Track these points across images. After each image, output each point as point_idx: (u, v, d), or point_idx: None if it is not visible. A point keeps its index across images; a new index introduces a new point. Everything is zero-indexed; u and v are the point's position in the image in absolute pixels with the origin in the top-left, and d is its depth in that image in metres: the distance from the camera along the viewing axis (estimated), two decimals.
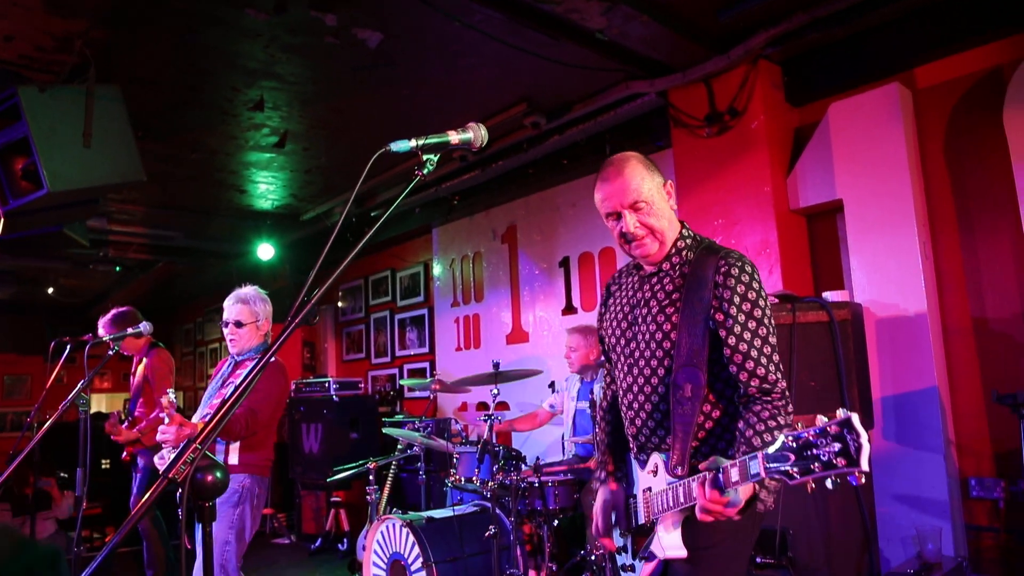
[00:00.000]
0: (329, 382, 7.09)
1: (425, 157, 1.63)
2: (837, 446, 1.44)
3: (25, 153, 3.90)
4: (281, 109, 4.95)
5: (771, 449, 1.58)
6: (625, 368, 2.14)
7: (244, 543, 3.31)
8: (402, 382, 6.81)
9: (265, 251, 7.79)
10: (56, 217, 4.45)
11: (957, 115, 3.80)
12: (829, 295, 3.57)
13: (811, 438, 1.49)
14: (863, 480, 1.42)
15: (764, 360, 1.92)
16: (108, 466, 7.97)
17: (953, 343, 3.75)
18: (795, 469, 1.52)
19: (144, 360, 5.09)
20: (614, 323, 2.21)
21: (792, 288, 3.98)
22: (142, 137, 4.24)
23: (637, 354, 2.10)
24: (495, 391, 4.31)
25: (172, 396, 2.97)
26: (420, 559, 3.93)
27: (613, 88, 4.69)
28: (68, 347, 3.87)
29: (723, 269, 1.97)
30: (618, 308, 2.22)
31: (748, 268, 1.98)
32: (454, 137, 1.68)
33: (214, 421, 1.33)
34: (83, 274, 9.57)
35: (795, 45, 4.09)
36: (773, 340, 1.96)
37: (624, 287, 2.25)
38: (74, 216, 4.64)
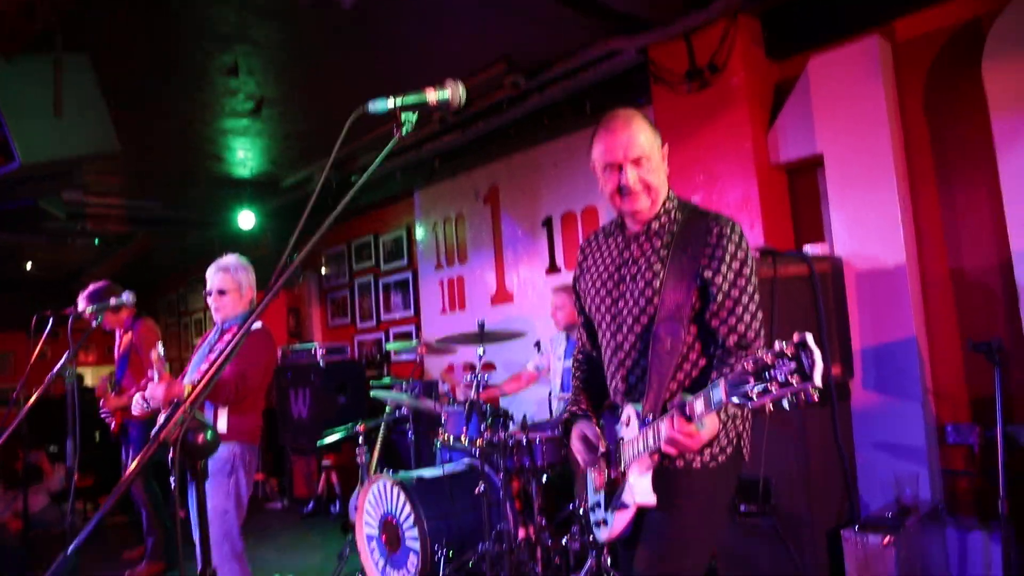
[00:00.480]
0: (315, 348, 7.10)
1: (403, 116, 1.62)
2: (793, 365, 1.50)
3: None
4: (256, 74, 4.86)
5: (732, 374, 1.65)
6: (613, 327, 2.17)
7: (243, 510, 3.35)
8: (388, 346, 6.83)
9: (246, 219, 7.73)
10: (30, 190, 4.40)
11: (936, 68, 3.80)
12: (809, 249, 3.61)
13: (768, 360, 1.55)
14: (816, 397, 1.50)
15: (748, 318, 1.99)
16: (98, 439, 7.98)
17: (931, 294, 3.81)
18: (754, 390, 1.57)
19: (129, 332, 5.08)
20: (597, 283, 2.23)
21: (773, 243, 4.01)
22: (114, 105, 4.16)
23: (625, 312, 2.12)
24: (481, 351, 4.34)
25: (162, 351, 2.98)
26: (411, 517, 4.00)
27: (592, 45, 4.65)
28: (50, 321, 3.85)
29: (715, 230, 2.02)
30: (601, 268, 2.24)
31: (738, 230, 2.05)
32: (432, 96, 1.67)
33: (202, 383, 1.34)
34: (62, 248, 9.45)
35: None
36: (757, 304, 2.03)
37: (606, 248, 2.27)
38: (49, 189, 4.60)
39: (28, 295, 12.00)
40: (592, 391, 2.38)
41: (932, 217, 3.82)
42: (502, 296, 6.46)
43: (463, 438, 4.17)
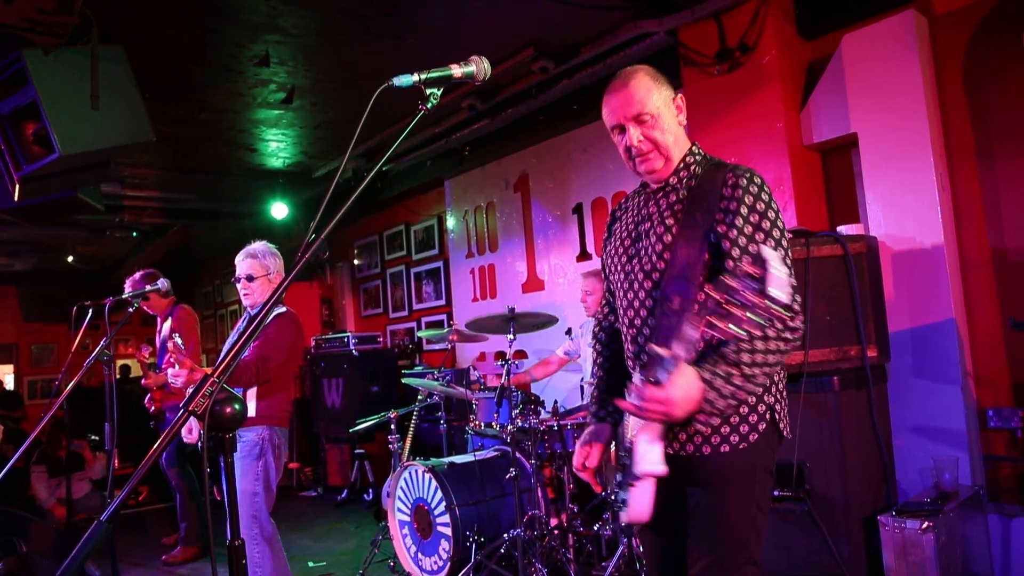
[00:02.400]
0: (348, 337, 7.17)
1: (428, 92, 1.62)
2: (754, 284, 1.44)
3: (35, 118, 3.91)
4: (287, 64, 4.91)
5: (701, 305, 1.58)
6: (625, 285, 2.05)
7: (272, 493, 3.40)
8: (420, 333, 6.87)
9: (279, 210, 7.83)
10: (69, 181, 4.47)
11: (976, 41, 3.70)
12: (844, 229, 3.54)
13: (732, 284, 1.48)
14: (786, 315, 1.49)
15: None
16: (138, 427, 8.16)
17: (971, 275, 3.71)
18: (717, 315, 1.51)
19: (169, 319, 5.20)
20: (618, 243, 2.12)
21: (807, 224, 3.95)
22: (149, 98, 4.23)
23: (638, 268, 2.00)
24: (511, 337, 4.34)
25: (179, 340, 3.02)
26: (443, 503, 4.02)
27: (621, 28, 4.61)
28: (90, 311, 3.94)
29: (731, 181, 1.85)
30: (623, 228, 2.13)
31: (758, 180, 1.86)
32: (457, 70, 1.67)
33: (229, 357, 1.36)
34: (101, 241, 9.68)
35: None
36: (783, 253, 1.83)
37: (630, 209, 2.15)
38: (87, 180, 4.66)
39: (69, 288, 12.33)
40: (614, 388, 2.21)
41: (971, 195, 3.72)
42: (533, 284, 6.45)
43: (494, 424, 4.17)
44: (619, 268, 2.08)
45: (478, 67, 1.70)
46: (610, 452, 2.13)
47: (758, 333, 1.68)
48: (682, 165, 1.99)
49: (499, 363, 4.30)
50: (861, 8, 3.98)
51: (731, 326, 1.51)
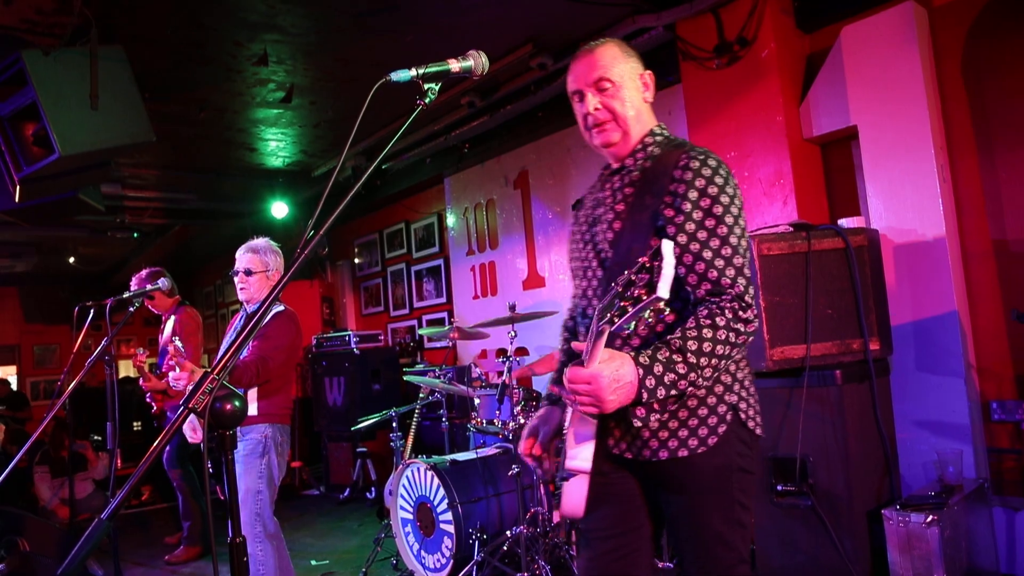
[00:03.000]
0: (349, 335, 7.17)
1: (427, 87, 1.61)
2: (645, 278, 1.34)
3: (34, 118, 3.91)
4: (285, 63, 4.90)
5: (604, 299, 1.47)
6: (580, 272, 1.96)
7: (274, 490, 3.40)
8: (420, 331, 6.87)
9: (279, 209, 7.82)
10: (70, 182, 4.48)
11: (976, 32, 3.69)
12: (845, 222, 3.53)
13: (632, 276, 1.37)
14: (667, 314, 1.41)
15: (720, 263, 1.68)
16: (140, 427, 8.17)
17: (973, 267, 3.71)
18: (615, 312, 1.40)
19: (172, 318, 5.20)
20: (576, 230, 2.04)
21: (808, 218, 3.93)
22: (149, 98, 4.23)
23: (591, 255, 1.90)
24: (512, 333, 4.34)
25: (179, 343, 3.02)
26: (445, 500, 4.02)
27: (620, 23, 4.60)
28: (91, 312, 3.94)
29: (682, 163, 1.73)
30: (584, 214, 2.03)
31: (712, 162, 1.73)
32: (455, 65, 1.66)
33: (228, 354, 1.36)
34: (102, 242, 9.68)
35: None
36: (736, 241, 1.70)
37: (593, 191, 2.06)
38: (87, 180, 4.67)
39: (71, 288, 12.35)
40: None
41: (972, 187, 3.72)
42: (534, 281, 6.44)
43: (496, 421, 4.17)
44: (577, 255, 2.00)
45: (476, 62, 1.69)
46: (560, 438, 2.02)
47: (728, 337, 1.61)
48: (640, 146, 1.89)
49: (500, 360, 4.29)
50: (859, 0, 3.96)
51: (626, 323, 1.42)
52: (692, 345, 1.60)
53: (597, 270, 1.86)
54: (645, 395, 1.58)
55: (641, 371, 1.57)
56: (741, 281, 1.68)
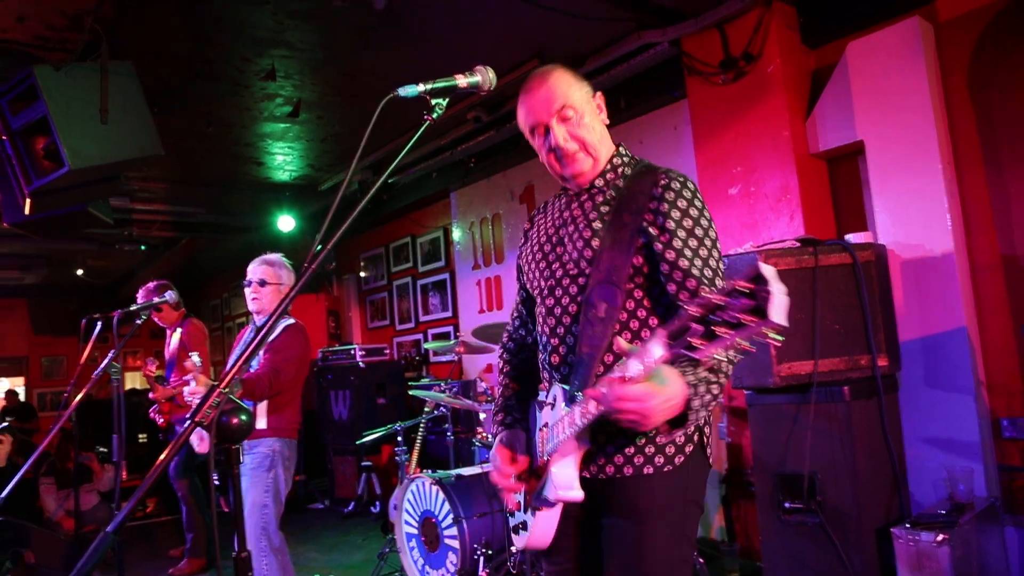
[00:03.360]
0: (355, 349, 7.17)
1: (434, 102, 1.62)
2: (747, 302, 1.20)
3: (45, 132, 3.95)
4: (293, 77, 4.94)
5: (671, 322, 1.34)
6: (546, 291, 1.88)
7: (280, 505, 3.40)
8: (426, 345, 6.87)
9: (285, 223, 7.85)
10: (79, 196, 4.51)
11: (982, 47, 3.69)
12: (852, 237, 3.52)
13: (717, 300, 1.25)
14: (778, 341, 1.19)
15: (709, 273, 1.68)
16: (145, 439, 8.17)
17: (982, 282, 3.69)
18: (698, 338, 1.27)
19: (179, 330, 5.21)
20: (536, 249, 1.96)
21: (814, 233, 3.92)
22: (157, 112, 4.26)
23: (560, 273, 1.84)
24: None
25: (197, 359, 3.03)
26: (451, 515, 4.00)
27: (625, 39, 4.62)
28: (98, 324, 3.95)
29: (662, 182, 1.73)
30: (542, 233, 1.97)
31: (691, 186, 1.75)
32: (462, 80, 1.67)
33: (235, 367, 1.36)
34: (110, 254, 9.73)
35: None
36: (717, 260, 1.72)
37: (550, 212, 2.01)
38: (96, 194, 4.70)
39: (79, 300, 12.41)
40: (527, 385, 2.07)
41: (980, 201, 3.70)
42: None
43: None
44: (539, 275, 1.92)
45: (483, 77, 1.70)
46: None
47: (737, 358, 1.53)
48: (608, 167, 1.87)
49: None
50: (865, 16, 3.97)
51: (717, 351, 1.28)
52: (725, 367, 1.57)
53: (570, 287, 1.81)
54: (691, 416, 1.52)
55: (690, 391, 1.50)
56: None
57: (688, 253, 1.67)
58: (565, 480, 1.65)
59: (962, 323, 3.55)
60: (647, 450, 1.70)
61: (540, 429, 1.80)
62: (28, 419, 9.96)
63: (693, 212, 1.70)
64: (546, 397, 1.83)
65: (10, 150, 4.07)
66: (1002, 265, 3.64)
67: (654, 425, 1.47)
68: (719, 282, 1.68)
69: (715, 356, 1.43)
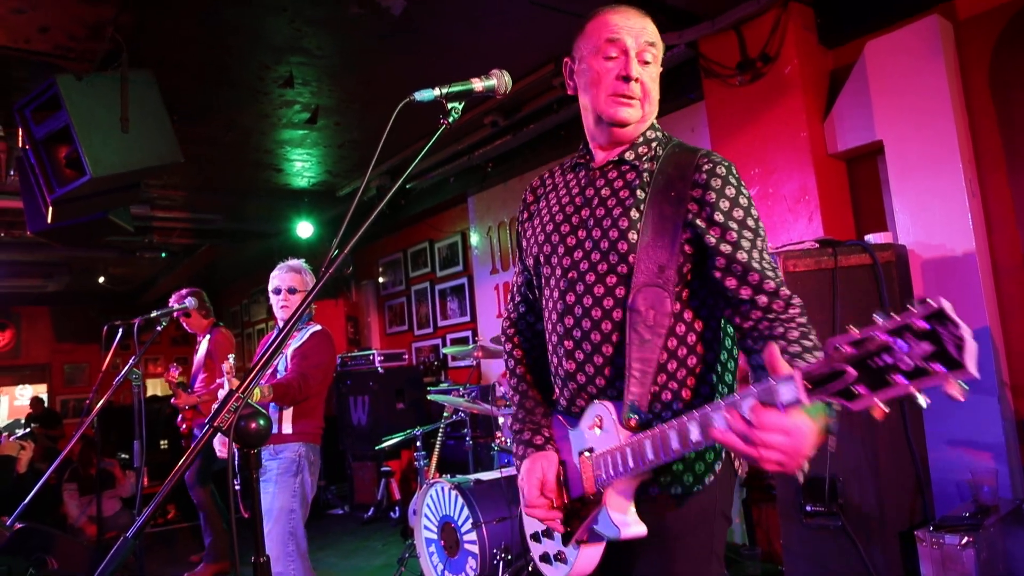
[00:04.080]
0: (374, 354, 7.20)
1: (450, 106, 1.62)
2: (927, 347, 0.98)
3: (67, 141, 4.00)
4: (311, 84, 4.97)
5: (810, 359, 1.15)
6: (563, 284, 1.64)
7: (307, 508, 3.43)
8: (445, 350, 6.88)
9: (304, 229, 7.90)
10: (100, 203, 4.56)
11: (1003, 45, 3.64)
12: (872, 238, 3.49)
13: (882, 339, 1.03)
14: (963, 394, 0.98)
15: (769, 271, 1.50)
16: (167, 446, 8.24)
17: (1004, 282, 3.64)
18: (860, 386, 1.05)
19: (207, 338, 5.27)
20: (549, 227, 1.72)
21: (833, 234, 3.89)
22: (177, 120, 4.31)
23: (584, 266, 1.61)
24: None
25: (232, 361, 3.07)
26: (470, 520, 4.00)
27: None
28: (120, 331, 3.99)
29: (706, 167, 1.53)
30: (556, 209, 1.73)
31: (735, 170, 1.57)
32: (478, 84, 1.67)
33: (254, 372, 1.36)
34: (131, 262, 9.84)
35: None
36: (769, 255, 1.56)
37: (561, 186, 1.78)
38: (117, 201, 4.76)
39: (101, 308, 12.56)
40: (543, 398, 1.82)
41: (1002, 201, 3.65)
42: None
43: None
44: (555, 262, 1.68)
45: (499, 81, 1.69)
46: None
47: None
48: (642, 139, 1.66)
49: None
50: (883, 15, 3.94)
51: (878, 400, 1.06)
52: None
53: (595, 287, 1.59)
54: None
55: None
56: (783, 285, 1.51)
57: (746, 244, 1.50)
58: (628, 517, 1.49)
59: (985, 324, 3.51)
60: (674, 468, 1.55)
61: (582, 453, 1.59)
62: (53, 425, 10.08)
63: (743, 200, 1.53)
64: (569, 409, 1.66)
65: (33, 159, 4.13)
66: None
67: (794, 469, 1.24)
68: (780, 273, 1.52)
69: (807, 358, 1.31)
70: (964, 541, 2.89)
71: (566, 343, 1.63)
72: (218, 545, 5.28)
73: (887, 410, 1.06)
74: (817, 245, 3.34)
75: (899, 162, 3.80)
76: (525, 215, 1.85)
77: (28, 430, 7.00)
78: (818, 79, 4.16)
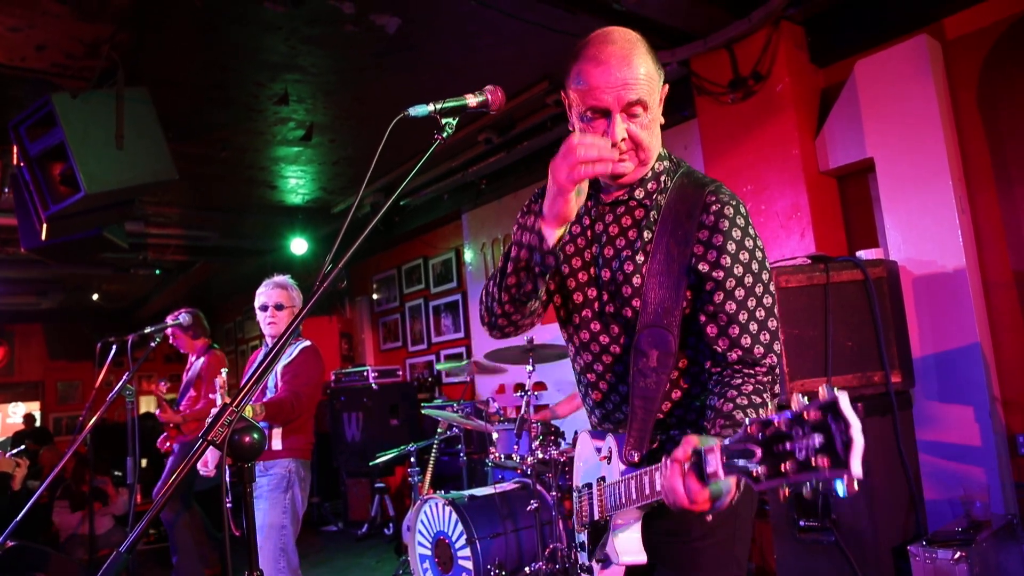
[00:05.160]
0: (367, 371, 7.19)
1: (444, 121, 1.63)
2: (818, 439, 1.00)
3: (62, 158, 4.01)
4: (305, 102, 5.00)
5: (729, 439, 1.18)
6: (577, 320, 1.70)
7: (298, 524, 3.41)
8: (439, 366, 6.89)
9: (298, 246, 7.91)
10: (95, 220, 4.57)
11: (990, 64, 3.70)
12: (863, 254, 3.52)
13: (782, 427, 1.06)
14: (855, 489, 0.99)
15: (754, 327, 1.50)
16: (150, 464, 8.20)
17: (995, 298, 3.67)
18: (759, 469, 1.09)
19: (201, 359, 5.25)
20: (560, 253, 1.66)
21: (826, 250, 3.93)
22: (172, 138, 4.33)
23: (596, 306, 1.65)
24: (530, 368, 4.33)
25: (225, 375, 3.07)
26: (464, 536, 3.98)
27: None
28: (113, 348, 3.98)
29: (714, 208, 1.51)
30: (566, 239, 1.68)
31: (743, 210, 1.54)
32: (472, 100, 1.68)
33: (247, 387, 1.37)
34: (125, 279, 9.83)
35: (817, 4, 4.02)
36: (768, 308, 1.52)
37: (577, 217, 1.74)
38: (112, 218, 4.76)
39: (94, 325, 12.51)
40: None
41: (992, 217, 3.69)
42: (552, 315, 6.43)
43: (514, 455, 4.15)
44: (570, 297, 1.72)
45: (493, 97, 1.72)
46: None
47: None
48: (651, 174, 1.63)
49: (518, 395, 4.28)
50: (873, 35, 4.00)
51: (778, 485, 1.09)
52: None
53: (611, 327, 1.63)
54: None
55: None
56: (773, 353, 1.51)
57: (739, 294, 1.49)
58: (628, 545, 1.57)
59: (976, 339, 3.53)
60: None
61: (598, 480, 1.66)
62: (43, 443, 10.01)
63: (748, 243, 1.51)
64: (598, 437, 1.72)
65: (28, 176, 4.13)
66: (1015, 282, 3.62)
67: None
68: (765, 334, 1.50)
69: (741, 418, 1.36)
70: (957, 556, 2.90)
71: (588, 376, 1.72)
72: (184, 564, 5.21)
73: (787, 493, 1.09)
74: (809, 261, 3.36)
75: (890, 179, 3.84)
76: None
77: (23, 447, 6.95)
78: (809, 97, 4.21)
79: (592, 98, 1.51)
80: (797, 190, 4.06)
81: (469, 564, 3.95)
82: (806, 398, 1.06)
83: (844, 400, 0.99)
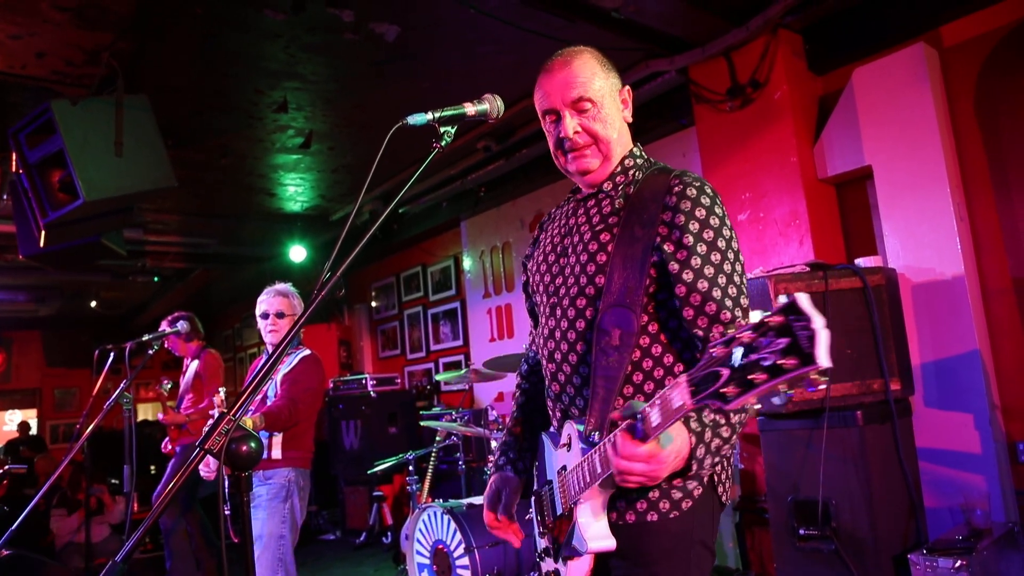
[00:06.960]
0: (366, 379, 7.17)
1: (443, 130, 1.63)
2: (783, 342, 1.01)
3: (61, 166, 4.01)
4: (305, 109, 5.01)
5: (695, 367, 1.17)
6: (547, 310, 1.73)
7: (296, 534, 3.40)
8: (437, 376, 6.88)
9: (297, 253, 7.91)
10: (93, 227, 4.56)
11: (987, 72, 3.71)
12: (862, 261, 3.52)
13: (747, 340, 1.07)
14: (824, 384, 1.00)
15: (729, 302, 1.51)
16: (155, 471, 8.17)
17: (994, 305, 3.67)
18: (729, 387, 1.09)
19: (196, 361, 5.25)
20: (541, 259, 1.80)
21: (824, 258, 3.92)
22: (172, 145, 4.33)
23: (563, 291, 1.68)
24: None
25: (223, 395, 3.06)
26: (462, 545, 3.96)
27: (633, 68, 4.66)
28: (111, 355, 3.98)
29: (676, 189, 1.55)
30: (547, 241, 1.81)
31: (709, 190, 1.56)
32: (470, 108, 1.68)
33: (245, 395, 1.36)
34: (124, 286, 9.82)
35: (814, 12, 4.03)
36: (740, 278, 1.54)
37: (557, 218, 1.84)
38: (110, 225, 4.76)
39: (92, 332, 12.49)
40: (530, 428, 1.93)
41: (990, 224, 3.70)
42: None
43: None
44: (542, 289, 1.77)
45: (491, 105, 1.71)
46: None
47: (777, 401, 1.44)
48: (619, 169, 1.70)
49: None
50: (871, 43, 4.01)
51: (752, 400, 1.10)
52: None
53: (569, 309, 1.66)
54: (695, 466, 1.41)
55: (694, 439, 1.40)
56: (739, 314, 1.51)
57: (708, 272, 1.50)
58: (595, 530, 1.54)
59: (975, 346, 3.53)
60: (651, 495, 1.56)
61: (559, 472, 1.67)
62: (37, 452, 9.98)
63: (713, 221, 1.53)
64: (558, 432, 1.71)
65: (26, 183, 4.13)
66: (1013, 288, 3.62)
67: (660, 480, 1.39)
68: (744, 301, 1.53)
69: (747, 406, 1.36)
70: (958, 564, 2.88)
71: (549, 365, 1.71)
72: (178, 568, 5.18)
73: (758, 406, 1.09)
74: (808, 269, 3.36)
75: (888, 187, 3.84)
76: (530, 249, 1.92)
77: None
78: (807, 105, 4.22)
79: (546, 102, 1.68)
80: (795, 198, 4.06)
81: (467, 573, 3.93)
82: (767, 312, 1.07)
83: (803, 298, 1.00)
